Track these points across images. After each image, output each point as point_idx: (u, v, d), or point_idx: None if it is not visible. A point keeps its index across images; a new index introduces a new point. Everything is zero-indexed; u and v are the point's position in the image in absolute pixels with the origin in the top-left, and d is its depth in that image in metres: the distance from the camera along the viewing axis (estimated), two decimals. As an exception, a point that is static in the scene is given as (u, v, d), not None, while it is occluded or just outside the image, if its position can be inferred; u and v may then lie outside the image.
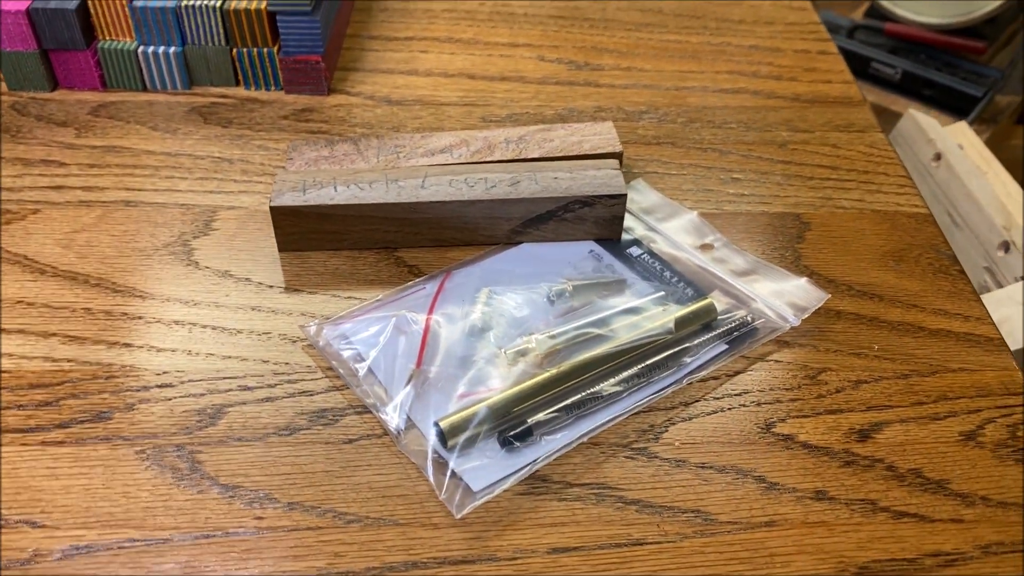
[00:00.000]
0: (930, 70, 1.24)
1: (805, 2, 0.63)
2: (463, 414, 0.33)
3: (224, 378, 0.36)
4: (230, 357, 0.37)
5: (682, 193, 0.46)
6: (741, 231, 0.44)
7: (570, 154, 0.44)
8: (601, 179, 0.41)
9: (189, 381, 0.36)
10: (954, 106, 1.23)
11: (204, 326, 0.38)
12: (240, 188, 0.45)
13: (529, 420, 0.33)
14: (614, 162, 0.42)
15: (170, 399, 0.35)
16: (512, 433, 0.33)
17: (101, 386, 0.35)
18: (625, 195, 0.40)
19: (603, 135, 0.45)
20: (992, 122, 1.23)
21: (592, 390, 0.35)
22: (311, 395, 0.35)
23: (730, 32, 0.59)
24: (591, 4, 0.62)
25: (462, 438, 0.33)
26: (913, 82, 1.24)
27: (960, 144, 0.77)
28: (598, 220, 0.41)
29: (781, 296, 0.40)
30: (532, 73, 0.55)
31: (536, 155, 0.44)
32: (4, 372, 0.36)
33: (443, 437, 0.33)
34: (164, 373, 0.36)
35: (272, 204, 0.39)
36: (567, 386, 0.35)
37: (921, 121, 0.80)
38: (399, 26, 0.59)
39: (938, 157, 0.75)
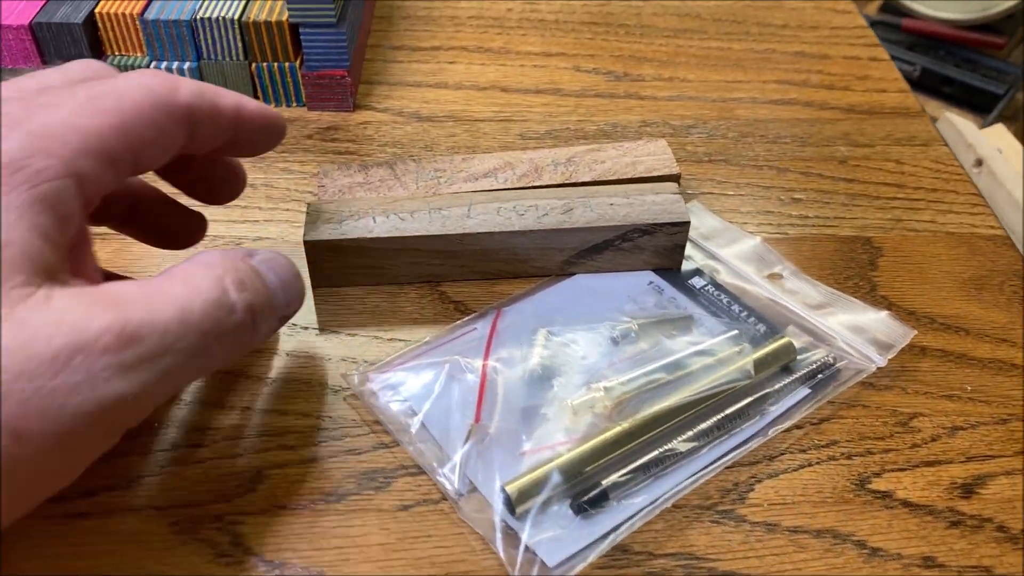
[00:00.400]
0: (949, 67, 1.22)
1: (849, 3, 0.60)
2: (532, 477, 0.30)
3: (262, 435, 0.32)
4: (267, 411, 0.33)
5: (741, 216, 0.43)
6: (808, 258, 0.41)
7: (624, 177, 0.40)
8: (661, 205, 0.38)
9: (224, 440, 0.32)
10: (974, 104, 1.20)
11: (236, 374, 0.35)
12: (265, 216, 0.42)
13: (603, 482, 0.30)
14: (673, 186, 0.39)
15: (204, 461, 0.32)
16: (586, 498, 0.30)
17: (127, 446, 0.32)
18: (688, 222, 0.37)
19: (658, 155, 0.42)
20: (1013, 120, 1.20)
21: (669, 446, 0.31)
22: (359, 454, 0.32)
23: (774, 38, 0.56)
24: (624, 8, 0.58)
25: (532, 505, 0.30)
26: (932, 79, 1.22)
27: (999, 148, 0.74)
28: (658, 249, 0.38)
29: (862, 332, 0.36)
30: (569, 85, 0.51)
31: (587, 179, 0.40)
32: (18, 432, 0.32)
33: (510, 503, 0.30)
34: (196, 431, 0.32)
35: (306, 238, 0.36)
36: (641, 441, 0.32)
37: (958, 124, 0.77)
38: (423, 35, 0.55)
39: (979, 163, 0.72)
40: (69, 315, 0.22)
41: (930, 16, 1.24)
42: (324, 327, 0.37)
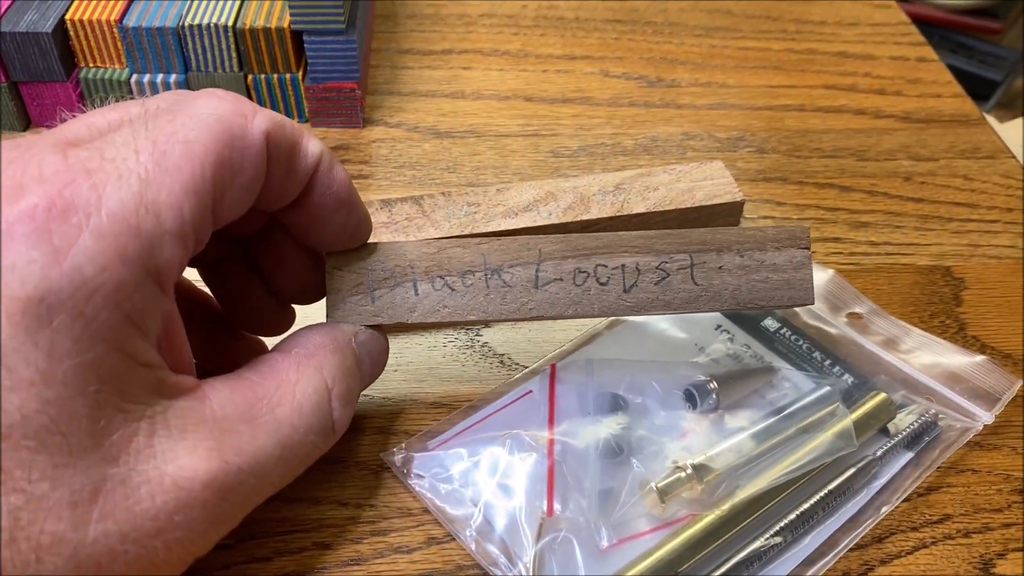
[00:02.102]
0: (944, 53, 1.19)
1: (890, 0, 0.56)
2: (620, 581, 0.26)
3: (294, 531, 0.28)
4: (298, 500, 0.28)
5: (807, 244, 0.39)
6: (886, 292, 0.37)
7: (681, 206, 0.36)
8: (783, 273, 0.29)
9: (249, 539, 0.27)
10: (971, 91, 1.17)
11: (257, 455, 0.30)
12: (274, 255, 0.37)
13: (702, 582, 0.26)
14: (802, 233, 0.29)
15: (228, 567, 0.27)
16: (683, 602, 0.26)
17: (132, 553, 0.27)
18: (812, 302, 0.29)
19: (716, 179, 0.37)
20: (1010, 107, 1.18)
21: (770, 534, 0.27)
22: (409, 552, 0.27)
23: (813, 36, 0.52)
24: (649, 5, 0.54)
25: (622, 615, 0.25)
26: (929, 65, 1.19)
27: None
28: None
29: (960, 382, 0.32)
30: (599, 93, 0.47)
31: (641, 209, 0.36)
32: None
33: (595, 612, 0.25)
34: (214, 529, 0.28)
35: (331, 316, 0.28)
36: (739, 529, 0.27)
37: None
38: (433, 36, 0.50)
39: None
40: (171, 465, 0.20)
41: (926, 0, 1.20)
42: (353, 390, 0.32)
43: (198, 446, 0.21)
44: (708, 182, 0.37)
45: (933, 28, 1.23)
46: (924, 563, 0.28)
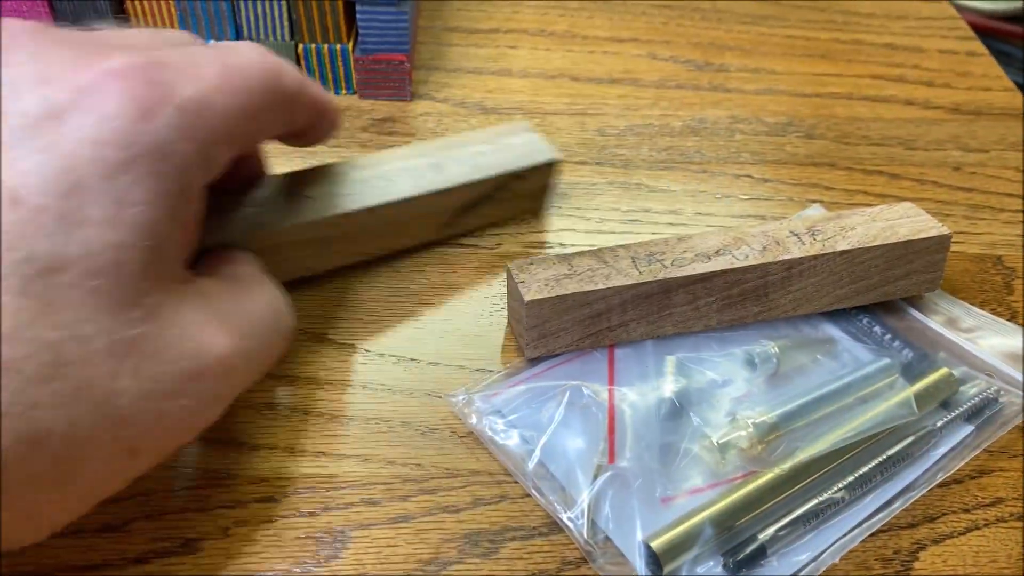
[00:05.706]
0: (982, 59, 1.17)
1: (938, -7, 0.55)
2: (680, 530, 0.26)
3: (339, 487, 0.28)
4: (345, 457, 0.28)
5: (856, 229, 0.38)
6: (936, 278, 0.36)
7: (886, 242, 0.32)
8: (529, 145, 0.36)
9: (296, 493, 0.27)
10: (1008, 98, 1.16)
11: (305, 412, 0.30)
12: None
13: (760, 536, 0.26)
14: (526, 124, 0.37)
15: (273, 520, 0.27)
16: (742, 555, 0.25)
17: (183, 501, 0.27)
18: (556, 160, 0.36)
19: (913, 217, 0.34)
20: (1047, 116, 1.16)
21: (828, 494, 0.27)
22: (456, 511, 0.27)
23: (860, 28, 0.51)
24: (696, -8, 0.53)
25: (681, 563, 0.25)
26: (966, 72, 1.17)
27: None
28: (529, 193, 0.37)
29: (1021, 362, 0.32)
30: (646, 75, 0.46)
31: (844, 246, 0.32)
32: (51, 482, 0.27)
33: (656, 560, 0.25)
34: (263, 482, 0.28)
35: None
36: (798, 488, 0.27)
37: None
38: (479, 15, 0.50)
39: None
40: (195, 336, 0.22)
41: (962, 5, 1.19)
42: (401, 355, 0.32)
43: (211, 323, 0.22)
44: (907, 220, 0.34)
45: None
46: (976, 544, 0.27)
